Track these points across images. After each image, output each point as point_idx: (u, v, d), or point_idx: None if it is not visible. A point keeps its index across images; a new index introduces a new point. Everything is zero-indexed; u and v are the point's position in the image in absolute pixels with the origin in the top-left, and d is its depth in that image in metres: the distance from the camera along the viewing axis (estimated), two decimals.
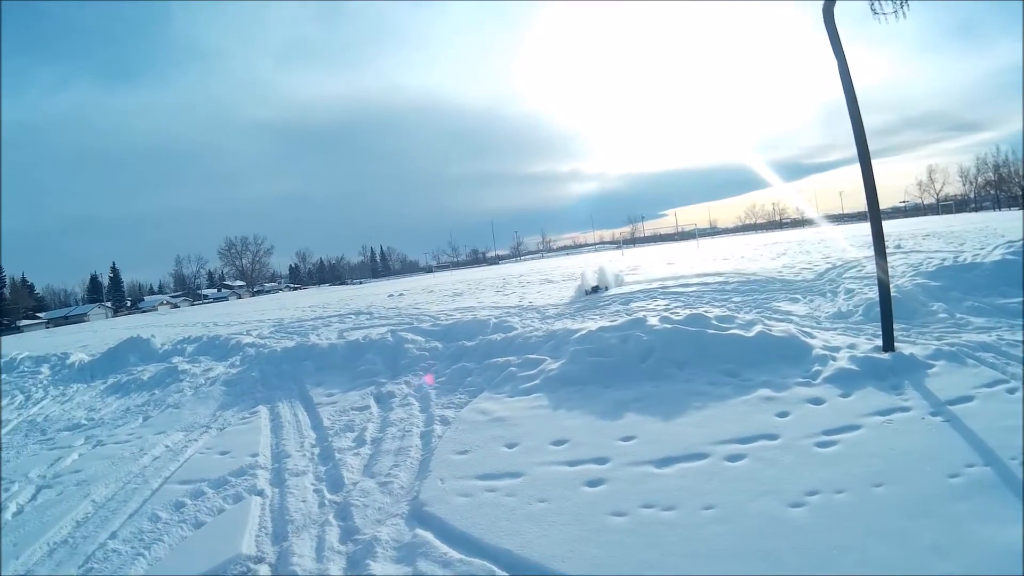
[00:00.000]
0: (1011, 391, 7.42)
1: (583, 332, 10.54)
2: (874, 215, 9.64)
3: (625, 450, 6.54)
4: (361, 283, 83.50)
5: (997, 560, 4.18)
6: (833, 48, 9.43)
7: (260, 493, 6.47)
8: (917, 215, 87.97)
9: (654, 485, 5.71)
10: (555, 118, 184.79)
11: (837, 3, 9.23)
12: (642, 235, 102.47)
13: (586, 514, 5.23)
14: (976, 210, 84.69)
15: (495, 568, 4.50)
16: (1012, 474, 5.38)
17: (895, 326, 10.07)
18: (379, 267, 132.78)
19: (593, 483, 5.83)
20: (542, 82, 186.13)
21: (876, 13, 8.93)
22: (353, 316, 22.74)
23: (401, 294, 34.89)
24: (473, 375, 10.03)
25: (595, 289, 19.47)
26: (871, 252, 9.87)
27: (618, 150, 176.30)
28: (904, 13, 8.83)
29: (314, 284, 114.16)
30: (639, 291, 19.57)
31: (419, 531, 5.16)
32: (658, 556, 4.53)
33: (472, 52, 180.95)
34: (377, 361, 11.69)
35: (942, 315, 11.90)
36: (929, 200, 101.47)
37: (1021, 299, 11.52)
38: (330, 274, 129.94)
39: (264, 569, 4.98)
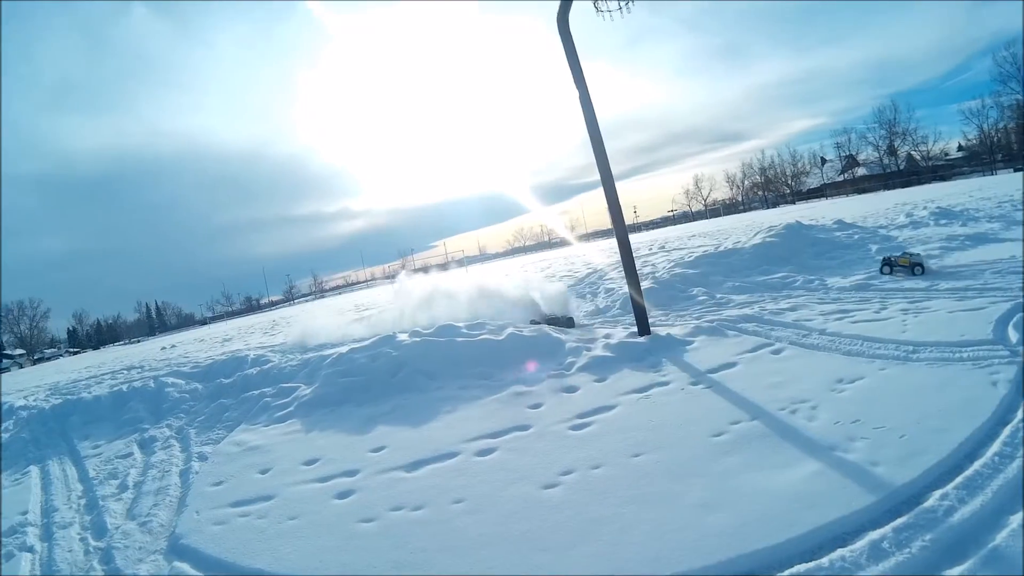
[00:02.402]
0: (776, 352, 7.86)
1: (334, 356, 10.53)
2: (617, 221, 10.12)
3: (375, 460, 6.51)
4: (139, 341, 79.95)
5: (770, 505, 4.25)
6: (567, 55, 9.65)
7: (30, 549, 6.12)
8: (686, 221, 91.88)
9: (403, 488, 5.68)
10: (319, 157, 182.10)
11: (572, 9, 9.50)
12: (413, 267, 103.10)
13: (336, 524, 5.13)
14: (745, 211, 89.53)
15: None
16: (780, 423, 5.62)
17: (654, 313, 10.39)
18: (156, 323, 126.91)
19: (343, 495, 5.75)
20: (305, 120, 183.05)
21: (600, 11, 9.16)
22: (125, 371, 21.81)
23: (174, 346, 33.69)
24: (231, 410, 9.83)
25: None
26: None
27: (384, 186, 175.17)
28: (629, 9, 9.07)
29: (92, 346, 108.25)
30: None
31: (176, 563, 5.01)
32: (407, 554, 4.42)
33: (234, 92, 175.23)
34: (140, 408, 11.08)
35: (702, 297, 12.53)
36: (698, 207, 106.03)
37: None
38: (108, 334, 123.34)
39: None
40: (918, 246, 14.01)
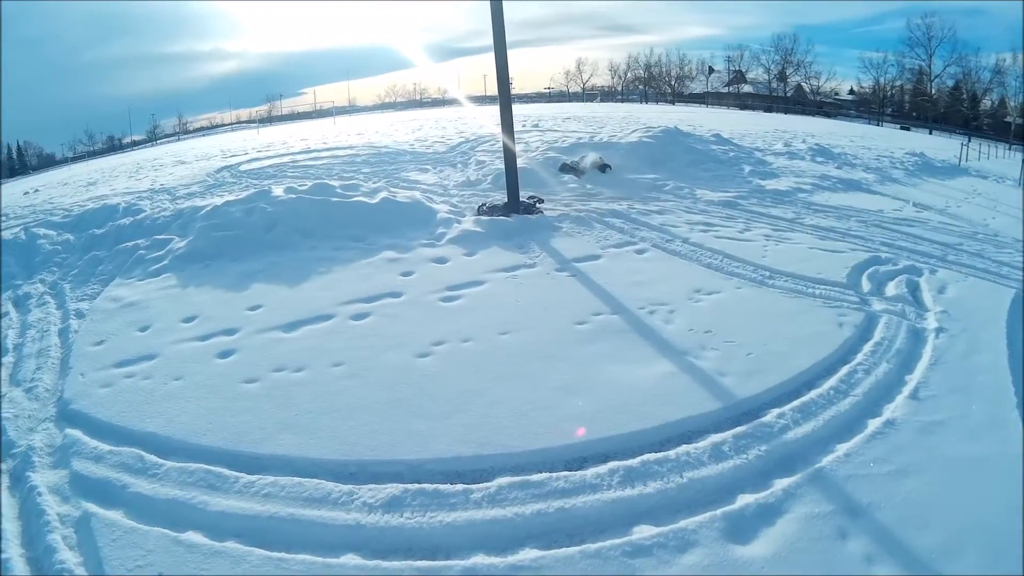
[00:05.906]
0: (639, 252, 8.26)
1: (208, 208, 10.41)
2: (503, 91, 10.21)
3: (253, 319, 6.60)
4: None
5: (625, 396, 4.68)
6: None
7: None
8: (562, 101, 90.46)
9: (283, 349, 5.85)
10: None
11: None
12: (279, 114, 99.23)
13: (220, 385, 5.23)
14: (622, 102, 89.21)
15: (143, 452, 4.38)
16: (639, 321, 6.06)
17: (526, 194, 10.59)
18: (16, 164, 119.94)
19: (224, 354, 5.84)
20: None
21: None
22: None
23: (37, 190, 31.19)
24: (104, 263, 9.49)
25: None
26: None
27: (260, 27, 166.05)
28: None
29: None
30: (268, 166, 19.66)
31: (69, 431, 4.85)
32: (293, 415, 4.63)
33: None
34: (11, 262, 10.46)
35: (572, 185, 12.85)
36: (575, 89, 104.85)
37: None
38: None
39: None
40: (791, 177, 14.48)
